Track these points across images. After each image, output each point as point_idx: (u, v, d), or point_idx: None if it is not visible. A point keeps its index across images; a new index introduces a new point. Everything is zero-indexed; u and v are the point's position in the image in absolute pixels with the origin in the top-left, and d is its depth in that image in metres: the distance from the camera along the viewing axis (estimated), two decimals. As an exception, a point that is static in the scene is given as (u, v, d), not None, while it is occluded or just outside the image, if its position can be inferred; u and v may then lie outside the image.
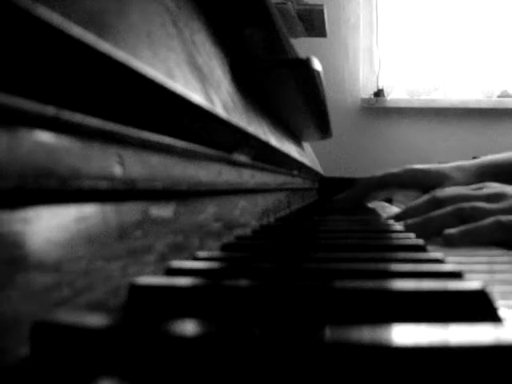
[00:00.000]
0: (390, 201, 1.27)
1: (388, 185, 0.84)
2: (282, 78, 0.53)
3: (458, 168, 0.80)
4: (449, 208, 0.53)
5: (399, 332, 0.14)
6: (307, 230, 0.50)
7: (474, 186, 0.59)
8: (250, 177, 0.49)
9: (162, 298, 0.21)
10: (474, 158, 0.79)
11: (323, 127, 0.91)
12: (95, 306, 0.19)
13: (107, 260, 0.21)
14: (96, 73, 0.18)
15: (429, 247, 0.37)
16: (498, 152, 0.82)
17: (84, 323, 0.15)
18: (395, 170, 0.83)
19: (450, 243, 0.48)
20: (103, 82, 0.18)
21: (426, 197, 0.60)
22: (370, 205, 1.05)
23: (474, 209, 0.52)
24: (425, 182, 0.80)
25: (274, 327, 0.15)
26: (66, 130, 0.17)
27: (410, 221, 0.55)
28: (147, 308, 0.21)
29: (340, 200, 0.87)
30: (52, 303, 0.17)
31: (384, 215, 0.70)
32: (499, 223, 0.48)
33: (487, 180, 0.63)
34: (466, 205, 0.53)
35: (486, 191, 0.56)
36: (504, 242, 0.48)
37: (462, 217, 0.51)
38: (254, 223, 0.52)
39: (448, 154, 2.28)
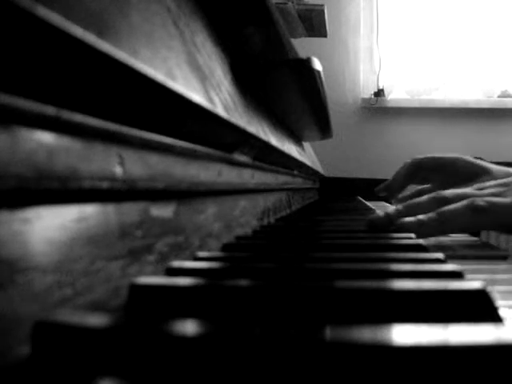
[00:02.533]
0: (390, 201, 1.27)
1: (424, 168, 0.73)
2: (282, 78, 0.53)
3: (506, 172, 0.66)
4: (425, 197, 0.49)
5: (400, 332, 0.14)
6: (308, 229, 0.50)
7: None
8: (250, 177, 0.49)
9: (162, 298, 0.21)
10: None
11: (323, 127, 0.91)
12: (96, 306, 0.19)
13: (108, 260, 0.21)
14: (96, 73, 0.18)
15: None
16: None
17: (85, 323, 0.15)
18: (438, 154, 0.73)
19: (422, 232, 0.44)
20: (103, 82, 0.18)
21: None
22: (371, 205, 1.05)
23: (453, 193, 0.47)
24: (466, 172, 0.68)
25: (275, 327, 0.15)
26: (67, 130, 0.17)
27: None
28: (148, 308, 0.21)
29: (383, 188, 0.77)
30: (53, 303, 0.17)
31: None
32: (471, 205, 0.44)
33: None
34: (446, 192, 0.48)
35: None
36: (474, 226, 0.44)
37: (440, 203, 0.47)
38: (255, 223, 0.52)
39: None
